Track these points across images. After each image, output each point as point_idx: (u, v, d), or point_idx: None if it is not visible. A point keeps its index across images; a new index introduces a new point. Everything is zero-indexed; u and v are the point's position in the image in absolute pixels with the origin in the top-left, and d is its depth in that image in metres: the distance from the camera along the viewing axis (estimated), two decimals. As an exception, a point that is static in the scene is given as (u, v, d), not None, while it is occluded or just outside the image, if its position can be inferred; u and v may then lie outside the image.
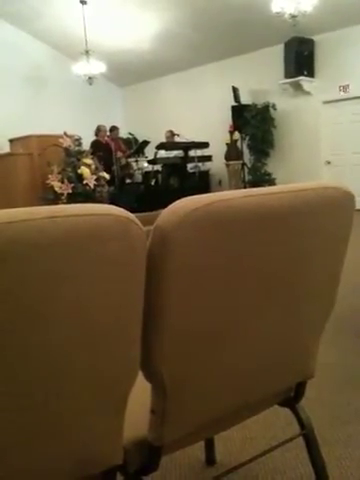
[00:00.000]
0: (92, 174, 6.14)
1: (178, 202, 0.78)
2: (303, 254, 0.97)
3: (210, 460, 1.65)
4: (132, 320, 0.78)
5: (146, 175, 9.08)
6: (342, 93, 8.62)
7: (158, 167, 8.97)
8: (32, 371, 0.69)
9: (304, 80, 8.80)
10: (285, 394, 1.24)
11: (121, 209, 0.71)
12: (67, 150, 6.13)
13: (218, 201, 0.79)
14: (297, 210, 0.90)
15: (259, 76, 9.44)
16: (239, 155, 9.52)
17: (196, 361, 0.91)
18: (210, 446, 1.65)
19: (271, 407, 1.28)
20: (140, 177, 9.25)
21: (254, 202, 0.84)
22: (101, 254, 0.68)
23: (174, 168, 8.62)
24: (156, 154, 8.62)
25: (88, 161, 6.18)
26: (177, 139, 8.99)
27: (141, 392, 0.92)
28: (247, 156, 9.47)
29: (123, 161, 8.81)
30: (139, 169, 9.09)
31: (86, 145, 7.05)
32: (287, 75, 8.93)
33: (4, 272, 0.61)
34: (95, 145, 8.13)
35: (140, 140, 9.44)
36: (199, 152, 8.71)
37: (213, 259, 0.82)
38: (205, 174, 10.18)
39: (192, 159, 8.63)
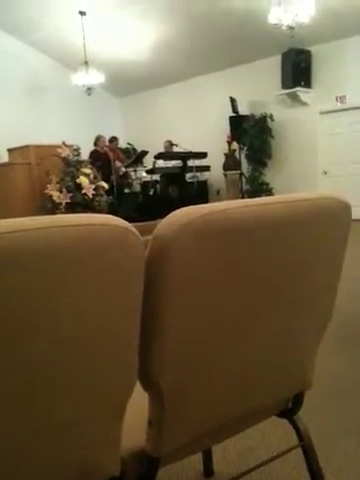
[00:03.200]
0: (90, 184, 6.15)
1: (177, 212, 0.79)
2: (301, 264, 0.97)
3: (208, 471, 1.64)
4: (130, 330, 0.78)
5: (144, 185, 9.11)
6: (339, 104, 8.67)
7: (156, 177, 9.01)
8: (29, 380, 0.69)
9: (301, 91, 8.86)
10: (283, 405, 1.24)
11: (119, 219, 0.71)
12: (66, 160, 6.15)
13: (216, 211, 0.79)
14: (294, 220, 0.91)
15: (257, 87, 9.51)
16: (237, 165, 9.56)
17: (194, 371, 0.91)
18: (208, 457, 1.64)
19: (269, 418, 1.28)
20: (138, 187, 9.28)
21: (252, 212, 0.84)
22: (99, 264, 0.68)
23: (172, 178, 8.65)
24: (154, 164, 8.66)
25: (87, 171, 6.20)
26: (175, 149, 9.03)
27: (139, 402, 0.92)
28: (245, 166, 9.51)
29: (121, 171, 8.84)
30: (137, 179, 9.12)
31: (85, 155, 7.07)
32: (284, 86, 9.00)
33: (1, 282, 0.61)
34: (94, 155, 8.16)
35: (139, 150, 9.47)
36: (197, 162, 8.74)
37: (211, 269, 0.82)
38: (203, 184, 10.21)
39: (190, 169, 8.66)
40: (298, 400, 1.22)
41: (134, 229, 0.71)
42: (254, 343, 0.98)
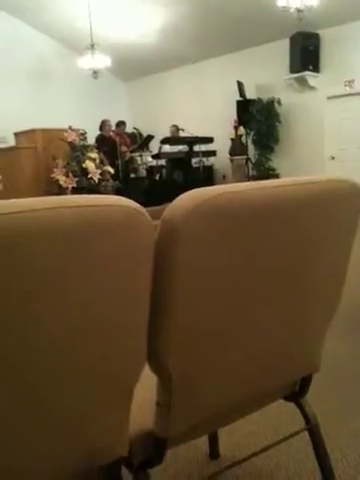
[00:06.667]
0: (97, 168, 6.14)
1: (186, 194, 0.78)
2: (310, 247, 0.96)
3: (214, 454, 1.65)
4: (139, 312, 0.78)
5: (150, 170, 9.07)
6: (347, 88, 8.57)
7: (162, 162, 8.96)
8: (38, 363, 0.69)
9: (309, 75, 8.75)
10: (290, 388, 1.24)
11: (129, 200, 0.70)
12: (72, 144, 6.13)
13: (226, 193, 0.79)
14: (305, 203, 0.90)
15: (264, 71, 9.40)
16: (243, 150, 9.48)
17: (203, 354, 0.91)
18: (214, 440, 1.65)
19: (276, 401, 1.28)
20: (144, 172, 9.24)
21: (262, 194, 0.83)
22: (109, 245, 0.68)
23: (178, 163, 8.61)
24: (160, 149, 8.61)
25: (93, 155, 6.18)
26: (182, 134, 8.97)
27: (147, 384, 0.92)
28: (251, 151, 9.44)
29: (127, 155, 8.80)
30: (143, 164, 9.07)
31: (91, 139, 7.05)
32: (292, 70, 8.89)
33: (10, 263, 0.60)
34: (100, 139, 8.13)
35: (145, 134, 9.42)
36: (203, 147, 8.69)
37: (221, 251, 0.81)
38: (209, 169, 10.15)
39: (196, 154, 8.62)
40: (305, 383, 1.23)
41: (145, 210, 0.71)
42: (263, 327, 0.98)
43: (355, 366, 2.33)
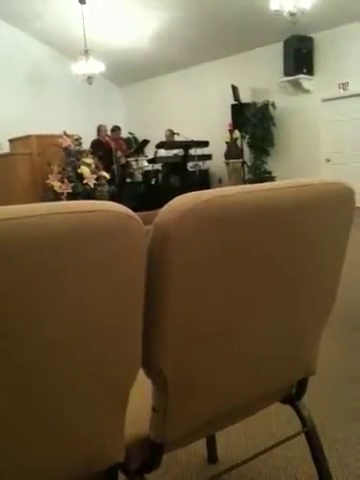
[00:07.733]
0: (92, 173, 6.14)
1: (178, 198, 0.78)
2: (304, 249, 0.96)
3: (212, 458, 1.65)
4: (133, 317, 0.78)
5: (146, 174, 9.09)
6: (341, 91, 8.61)
7: (158, 166, 8.97)
8: (33, 369, 0.69)
9: (303, 78, 8.80)
10: (287, 391, 1.24)
11: (121, 206, 0.70)
12: (67, 150, 6.13)
13: (218, 197, 0.79)
14: (298, 205, 0.90)
15: (258, 74, 9.44)
16: (239, 154, 9.51)
17: (197, 359, 0.90)
18: (212, 444, 1.64)
19: (274, 404, 1.28)
20: (140, 176, 9.25)
21: (255, 197, 0.84)
22: (102, 251, 0.68)
23: (174, 167, 8.62)
24: (156, 153, 8.62)
25: (88, 160, 6.19)
26: (177, 138, 8.99)
27: (144, 389, 0.92)
28: (247, 154, 9.47)
29: (123, 160, 8.81)
30: (139, 168, 9.09)
31: (86, 144, 7.05)
32: (286, 73, 8.93)
33: (5, 270, 0.61)
34: (95, 144, 8.14)
35: (140, 139, 9.44)
36: (199, 151, 8.70)
37: (214, 255, 0.82)
38: (205, 173, 10.18)
39: (192, 158, 8.63)
40: (301, 386, 1.22)
41: (136, 216, 0.71)
42: (259, 329, 0.98)
43: (349, 368, 2.33)
